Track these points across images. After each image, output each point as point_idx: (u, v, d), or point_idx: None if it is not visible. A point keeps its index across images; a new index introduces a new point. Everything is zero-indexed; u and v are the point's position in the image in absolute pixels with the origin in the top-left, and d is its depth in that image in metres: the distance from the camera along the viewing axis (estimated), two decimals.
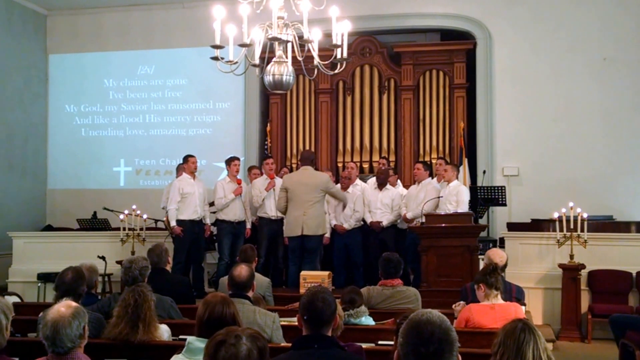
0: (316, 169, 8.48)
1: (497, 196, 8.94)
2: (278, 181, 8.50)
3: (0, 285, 8.99)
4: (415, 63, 10.49)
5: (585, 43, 9.73)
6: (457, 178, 8.04)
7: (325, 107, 10.78)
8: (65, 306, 3.00)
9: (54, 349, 2.92)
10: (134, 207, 8.60)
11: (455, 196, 7.78)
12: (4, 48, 10.61)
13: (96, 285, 5.04)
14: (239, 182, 8.48)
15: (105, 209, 9.71)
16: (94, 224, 9.71)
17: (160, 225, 9.26)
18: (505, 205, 9.12)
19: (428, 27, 10.79)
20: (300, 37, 5.36)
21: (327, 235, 8.46)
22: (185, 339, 3.40)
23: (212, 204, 8.67)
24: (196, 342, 3.00)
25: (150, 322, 3.87)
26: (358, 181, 8.78)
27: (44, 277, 8.65)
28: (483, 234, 8.28)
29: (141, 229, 8.58)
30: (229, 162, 8.58)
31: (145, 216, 8.64)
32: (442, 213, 7.67)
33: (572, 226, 7.40)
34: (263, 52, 5.55)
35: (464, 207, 7.71)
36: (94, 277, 4.96)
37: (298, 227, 7.52)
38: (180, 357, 3.02)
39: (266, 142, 10.79)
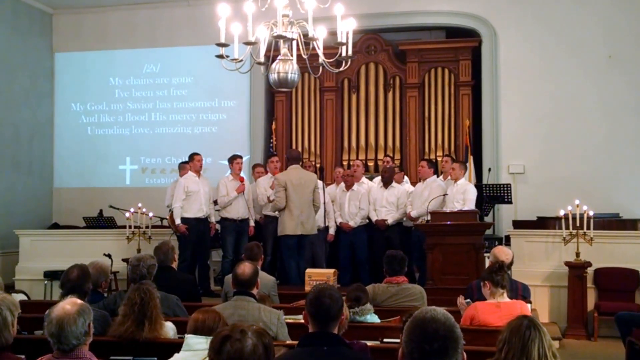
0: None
1: (502, 194, 8.92)
2: None
3: (7, 283, 9.01)
4: (421, 61, 10.46)
5: (590, 40, 9.69)
6: (464, 176, 8.03)
7: (331, 105, 10.77)
8: (70, 304, 3.01)
9: (59, 346, 2.93)
10: (139, 205, 8.63)
11: (462, 194, 7.78)
12: (10, 47, 10.65)
13: (102, 285, 4.99)
14: (241, 180, 8.49)
15: (111, 207, 9.75)
16: (100, 222, 9.74)
17: (166, 223, 9.28)
18: (510, 203, 9.10)
19: (433, 25, 10.76)
20: (305, 35, 5.37)
21: (332, 232, 8.49)
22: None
23: (216, 202, 8.68)
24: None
25: (156, 320, 3.88)
26: (364, 179, 8.78)
27: (51, 275, 8.68)
28: (489, 231, 8.26)
29: (147, 227, 8.61)
30: (232, 160, 8.59)
31: (151, 214, 8.67)
32: (448, 211, 7.65)
33: (578, 224, 7.39)
34: (268, 50, 5.56)
35: (470, 206, 7.70)
36: (102, 277, 4.94)
37: (298, 226, 7.54)
38: None
39: (271, 140, 10.80)
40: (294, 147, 10.76)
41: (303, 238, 7.66)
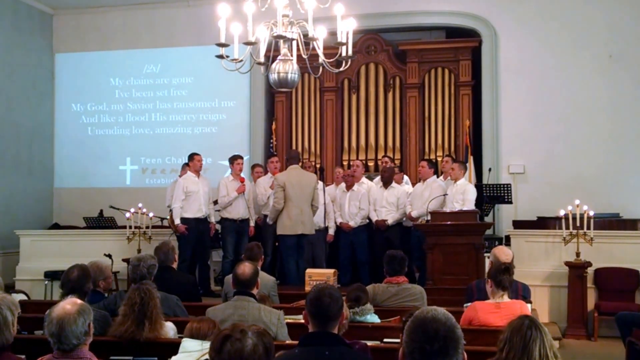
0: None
1: (502, 194, 8.92)
2: None
3: (7, 283, 9.01)
4: (421, 61, 10.46)
5: (591, 40, 9.69)
6: (464, 176, 8.03)
7: (331, 105, 10.77)
8: (70, 303, 3.01)
9: (59, 346, 2.93)
10: (140, 205, 8.62)
11: (462, 194, 7.78)
12: (10, 47, 10.65)
13: (100, 285, 4.94)
14: (242, 180, 8.49)
15: (111, 207, 9.75)
16: (101, 223, 9.74)
17: (166, 223, 9.29)
18: (511, 203, 9.10)
19: (433, 25, 10.76)
20: (305, 35, 5.37)
21: (332, 233, 8.49)
22: None
23: (216, 202, 8.69)
24: None
25: (156, 320, 3.89)
26: (364, 179, 8.78)
27: (51, 275, 8.68)
28: (489, 231, 8.26)
29: (147, 227, 8.61)
30: (232, 160, 8.60)
31: (151, 214, 8.67)
32: (448, 211, 7.65)
33: (578, 224, 7.38)
34: (268, 50, 5.56)
35: (470, 206, 7.70)
36: (99, 277, 4.92)
37: (298, 226, 7.54)
38: None
39: (271, 141, 10.80)
40: (294, 147, 10.76)
41: (302, 238, 7.66)
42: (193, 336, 3.36)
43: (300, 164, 8.09)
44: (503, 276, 4.39)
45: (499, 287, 4.39)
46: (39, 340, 3.80)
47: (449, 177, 8.29)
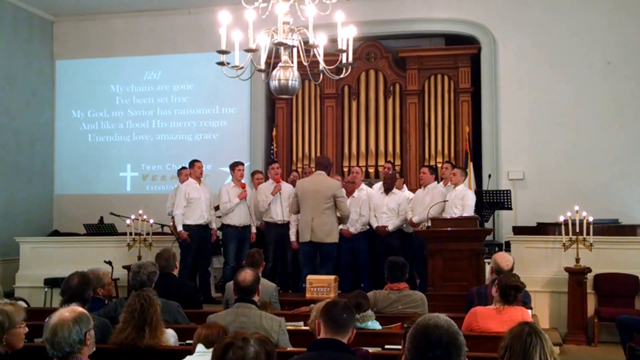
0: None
1: (502, 200, 8.93)
2: (284, 185, 8.57)
3: (7, 291, 9.00)
4: (420, 68, 10.50)
5: (590, 47, 9.72)
6: (464, 182, 8.04)
7: (331, 112, 10.80)
8: (69, 311, 3.00)
9: (53, 352, 2.92)
10: (140, 212, 8.62)
11: (461, 200, 7.78)
12: (11, 54, 10.67)
13: (99, 293, 4.92)
14: (243, 187, 8.50)
15: (112, 214, 9.74)
16: (101, 229, 9.73)
17: (167, 230, 9.29)
18: (510, 209, 9.11)
19: (433, 32, 10.80)
20: (306, 42, 5.38)
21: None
22: (191, 343, 3.42)
23: (217, 208, 8.69)
24: None
25: (157, 327, 3.88)
26: (363, 186, 8.78)
27: (51, 282, 8.67)
28: (489, 238, 8.26)
29: (147, 234, 8.60)
30: (233, 167, 8.60)
31: (151, 221, 8.67)
32: (448, 217, 7.66)
33: (577, 230, 7.39)
34: (269, 57, 5.57)
35: (469, 211, 7.70)
36: (97, 284, 4.89)
37: (307, 232, 7.49)
38: None
39: (272, 147, 10.82)
40: (294, 153, 10.81)
41: (320, 247, 7.54)
42: (203, 343, 3.30)
43: (326, 170, 7.75)
44: (511, 292, 4.37)
45: (504, 301, 4.37)
46: (38, 347, 3.79)
47: (449, 183, 8.30)
